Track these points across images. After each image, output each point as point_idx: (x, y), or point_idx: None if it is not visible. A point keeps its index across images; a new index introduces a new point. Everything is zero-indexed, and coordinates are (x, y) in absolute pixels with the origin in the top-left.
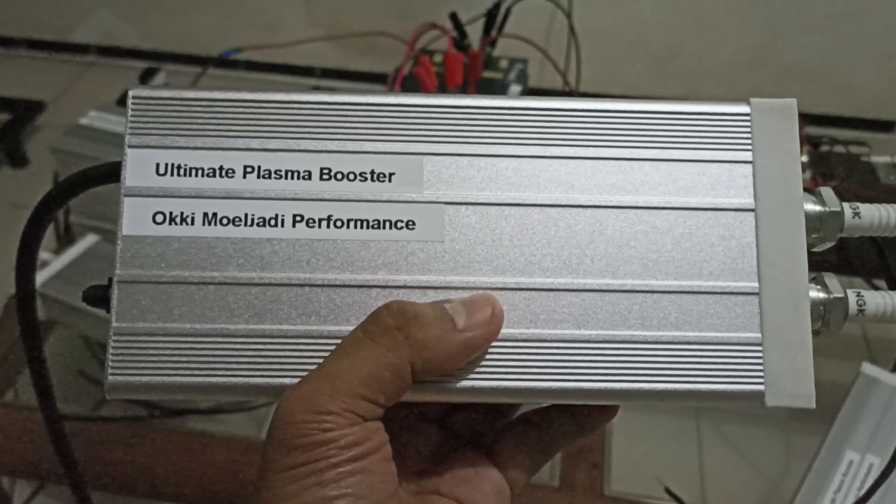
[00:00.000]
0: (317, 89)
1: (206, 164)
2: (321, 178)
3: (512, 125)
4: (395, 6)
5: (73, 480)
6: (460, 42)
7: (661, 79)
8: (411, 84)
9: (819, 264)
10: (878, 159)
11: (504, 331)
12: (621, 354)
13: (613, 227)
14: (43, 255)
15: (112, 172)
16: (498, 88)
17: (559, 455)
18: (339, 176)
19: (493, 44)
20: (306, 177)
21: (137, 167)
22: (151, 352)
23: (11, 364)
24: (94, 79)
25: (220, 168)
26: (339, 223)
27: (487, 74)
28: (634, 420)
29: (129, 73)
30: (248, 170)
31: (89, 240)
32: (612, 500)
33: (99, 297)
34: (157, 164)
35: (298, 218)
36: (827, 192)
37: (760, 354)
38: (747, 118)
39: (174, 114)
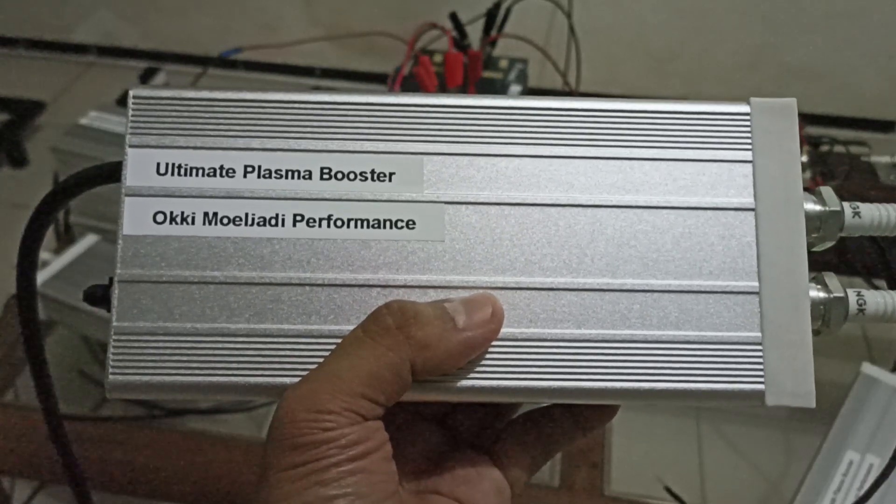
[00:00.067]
0: (317, 89)
1: (206, 164)
2: (321, 178)
3: (512, 125)
4: (395, 6)
5: (73, 480)
6: (460, 42)
7: (661, 79)
8: (411, 84)
9: (819, 264)
10: (878, 159)
11: (504, 330)
12: (621, 354)
13: (613, 227)
14: (43, 255)
15: (113, 172)
16: (498, 88)
17: (559, 455)
18: (339, 175)
19: (493, 44)
20: (307, 176)
21: (138, 167)
22: (152, 351)
23: (11, 364)
24: (94, 79)
25: (221, 168)
26: (339, 223)
27: (487, 74)
28: (634, 420)
29: (129, 73)
30: (249, 169)
31: (89, 240)
32: (612, 500)
33: (99, 296)
34: (158, 164)
35: (299, 217)
36: (827, 191)
37: (760, 354)
38: (747, 118)
39: (174, 114)
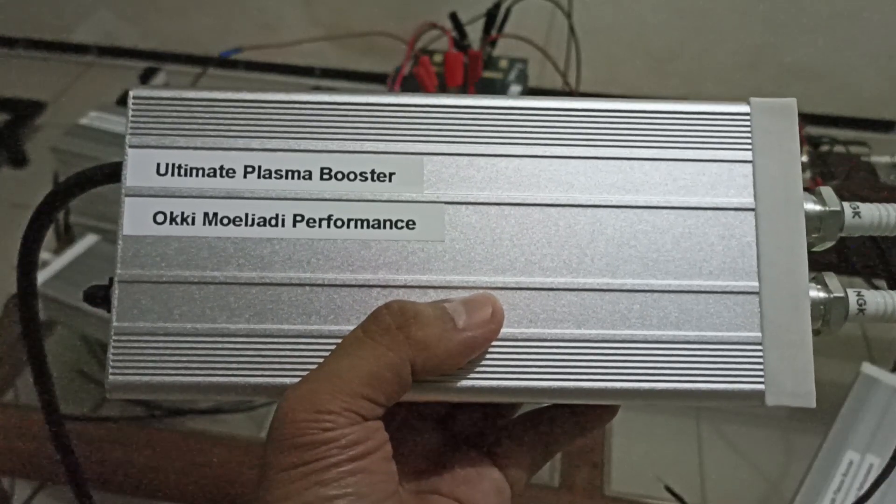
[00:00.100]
0: (317, 89)
1: (206, 164)
2: (321, 178)
3: (512, 125)
4: (395, 6)
5: (73, 480)
6: (460, 42)
7: (661, 79)
8: (411, 84)
9: (819, 264)
10: (878, 159)
11: (504, 330)
12: (621, 354)
13: (613, 227)
14: (43, 255)
15: (113, 172)
16: (498, 88)
17: (559, 455)
18: (339, 176)
19: (493, 44)
20: (307, 177)
21: (138, 167)
22: (152, 351)
23: (11, 364)
24: (94, 79)
25: (221, 168)
26: (339, 223)
27: (487, 74)
28: (634, 420)
29: (129, 73)
30: (249, 170)
31: (89, 240)
32: (612, 500)
33: (99, 296)
34: (158, 164)
35: (299, 218)
36: (827, 191)
37: (760, 354)
38: (747, 118)
39: (175, 114)
